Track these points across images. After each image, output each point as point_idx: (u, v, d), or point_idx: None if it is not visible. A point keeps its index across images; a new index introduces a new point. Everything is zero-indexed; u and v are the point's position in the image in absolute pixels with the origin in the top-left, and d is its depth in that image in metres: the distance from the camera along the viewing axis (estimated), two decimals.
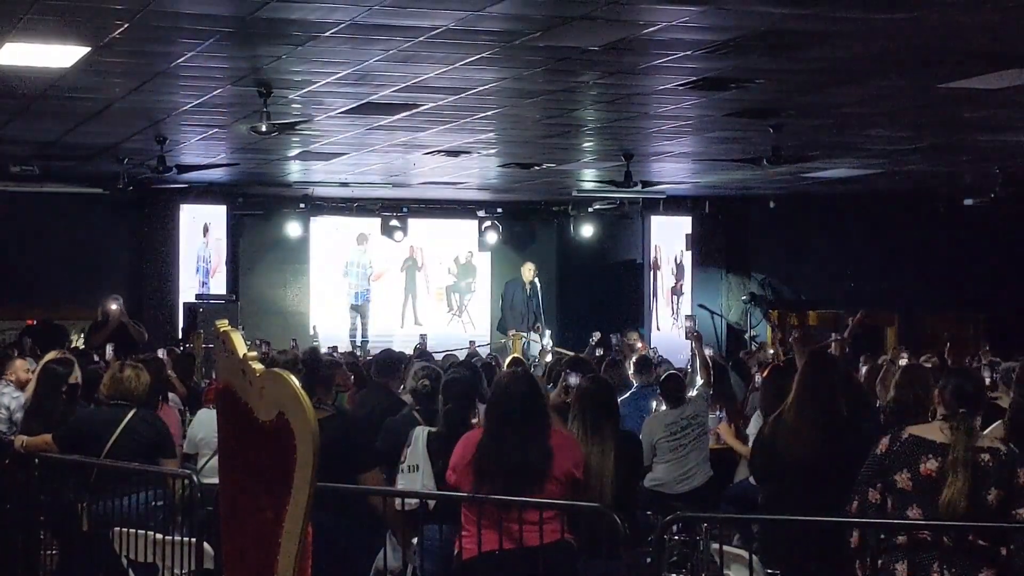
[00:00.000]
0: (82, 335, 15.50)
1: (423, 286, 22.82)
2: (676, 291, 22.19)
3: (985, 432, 5.97)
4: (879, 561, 5.51)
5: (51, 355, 9.67)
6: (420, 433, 7.19)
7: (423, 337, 17.92)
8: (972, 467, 5.34)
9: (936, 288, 21.27)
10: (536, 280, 20.75)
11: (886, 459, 5.51)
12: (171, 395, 10.89)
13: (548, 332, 20.15)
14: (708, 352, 11.28)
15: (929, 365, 10.51)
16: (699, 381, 10.39)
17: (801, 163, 16.05)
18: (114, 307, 15.54)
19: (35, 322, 17.48)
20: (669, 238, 22.28)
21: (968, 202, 18.74)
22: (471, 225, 22.46)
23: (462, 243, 22.75)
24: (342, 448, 7.28)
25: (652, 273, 22.19)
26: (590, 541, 6.53)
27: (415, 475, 7.04)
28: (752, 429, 9.49)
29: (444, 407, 7.33)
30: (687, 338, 12.04)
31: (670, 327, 21.87)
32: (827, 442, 6.62)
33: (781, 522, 6.64)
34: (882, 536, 5.53)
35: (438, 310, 22.81)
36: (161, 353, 13.04)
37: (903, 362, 11.15)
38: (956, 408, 5.54)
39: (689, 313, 19.88)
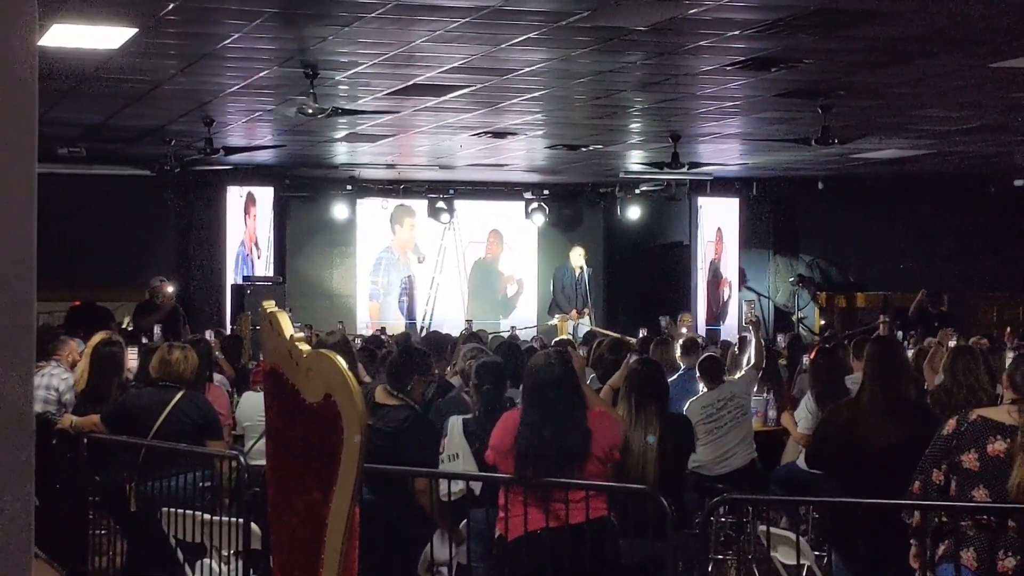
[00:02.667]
0: (127, 317, 15.53)
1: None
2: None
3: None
4: (942, 545, 5.43)
5: (99, 336, 9.69)
6: (455, 421, 7.18)
7: (469, 323, 17.90)
8: None
9: (986, 269, 21.09)
10: (584, 265, 20.67)
11: (953, 440, 5.44)
12: (218, 376, 10.94)
13: (592, 314, 20.08)
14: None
15: (980, 346, 10.37)
16: (752, 361, 10.24)
17: (850, 144, 15.92)
18: (169, 291, 15.64)
19: (80, 304, 17.57)
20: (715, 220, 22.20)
21: (1019, 183, 18.56)
22: (518, 207, 22.44)
23: (508, 225, 22.72)
24: (407, 443, 7.29)
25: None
26: (636, 523, 6.50)
27: (456, 463, 7.04)
28: (801, 412, 9.40)
29: (480, 389, 7.32)
30: (746, 323, 11.91)
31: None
32: (904, 429, 6.53)
33: (838, 504, 6.57)
34: (945, 519, 5.45)
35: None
36: (208, 335, 13.09)
37: (952, 344, 11.03)
38: None
39: (749, 299, 19.70)
